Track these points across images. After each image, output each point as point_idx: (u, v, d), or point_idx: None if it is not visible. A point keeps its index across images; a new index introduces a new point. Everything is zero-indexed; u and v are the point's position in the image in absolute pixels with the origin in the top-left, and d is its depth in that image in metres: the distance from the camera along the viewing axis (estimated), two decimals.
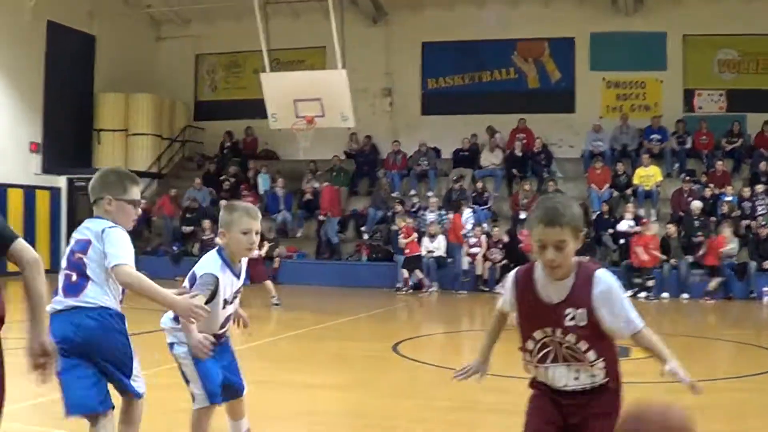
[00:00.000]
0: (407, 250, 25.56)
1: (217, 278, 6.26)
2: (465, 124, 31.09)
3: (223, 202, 26.54)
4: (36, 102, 30.38)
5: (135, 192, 6.43)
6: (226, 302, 6.43)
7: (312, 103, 26.29)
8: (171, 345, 6.64)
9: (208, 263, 6.37)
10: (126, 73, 33.79)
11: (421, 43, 33.29)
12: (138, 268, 6.00)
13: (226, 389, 6.65)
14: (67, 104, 31.65)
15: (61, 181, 31.63)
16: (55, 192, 30.93)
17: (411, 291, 25.32)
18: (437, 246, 25.88)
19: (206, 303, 5.96)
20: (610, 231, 26.12)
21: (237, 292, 6.63)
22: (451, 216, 26.72)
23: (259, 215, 6.52)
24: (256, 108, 29.16)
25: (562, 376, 4.89)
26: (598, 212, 27.00)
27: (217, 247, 6.52)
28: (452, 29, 32.07)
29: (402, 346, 13.91)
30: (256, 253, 17.30)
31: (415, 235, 25.83)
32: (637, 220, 25.90)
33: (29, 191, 29.70)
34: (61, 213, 31.11)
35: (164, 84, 35.28)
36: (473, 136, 30.85)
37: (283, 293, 24.60)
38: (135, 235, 20.47)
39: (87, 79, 33.11)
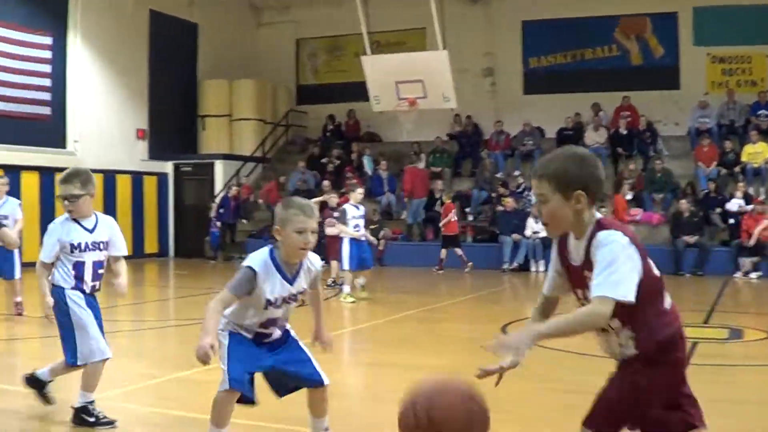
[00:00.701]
0: (444, 230, 25.44)
1: (254, 273, 6.08)
2: (568, 103, 30.80)
3: (329, 188, 27.19)
4: (141, 90, 30.92)
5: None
6: (269, 303, 6.19)
7: (414, 84, 26.26)
8: None
9: (254, 257, 6.22)
10: (228, 59, 34.20)
11: (522, 21, 33.06)
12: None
13: (289, 380, 6.52)
14: (171, 91, 32.17)
15: (167, 167, 32.16)
16: (162, 177, 31.42)
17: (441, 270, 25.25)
18: (542, 227, 25.69)
19: (242, 297, 6.04)
20: (719, 210, 25.72)
21: (289, 298, 6.33)
22: None
23: (316, 213, 6.22)
24: (358, 91, 29.24)
25: (607, 346, 4.71)
26: (706, 191, 26.62)
27: (270, 245, 6.31)
28: (553, 6, 31.81)
29: (511, 327, 13.86)
30: (334, 231, 17.36)
31: (453, 214, 25.57)
32: (747, 198, 25.45)
33: (137, 177, 30.22)
34: (168, 198, 31.70)
35: (266, 69, 35.58)
36: (576, 115, 30.55)
37: (388, 275, 24.76)
38: (239, 218, 20.52)
39: (190, 66, 33.61)
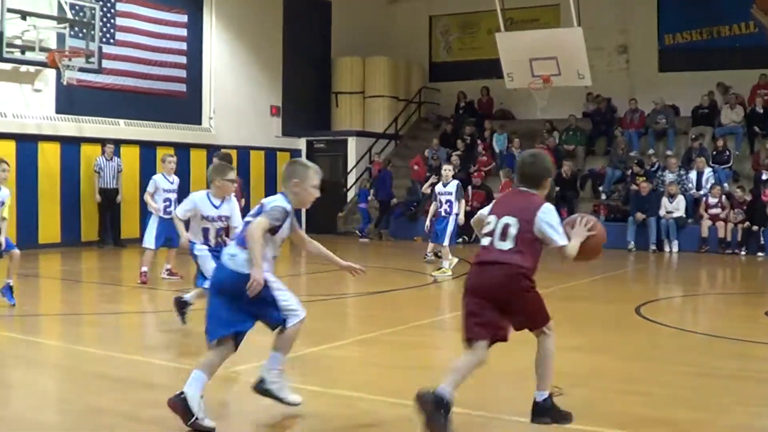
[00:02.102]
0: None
1: (287, 213, 7.31)
2: (703, 81, 30.29)
3: (456, 161, 27.27)
4: (276, 67, 31.27)
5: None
6: (282, 241, 7.49)
7: (548, 62, 26.07)
8: None
9: (279, 200, 7.32)
10: (361, 36, 34.37)
11: None
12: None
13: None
14: (305, 69, 32.45)
15: (300, 144, 32.50)
16: (295, 154, 31.70)
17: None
18: (676, 206, 25.42)
19: (271, 232, 7.12)
20: None
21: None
22: (691, 175, 26.24)
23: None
24: (491, 68, 29.17)
25: None
26: None
27: (280, 193, 7.46)
28: None
29: (644, 308, 13.78)
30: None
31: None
32: None
33: (270, 153, 30.58)
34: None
35: (399, 46, 35.65)
36: (711, 93, 30.02)
37: None
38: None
39: (324, 43, 33.89)
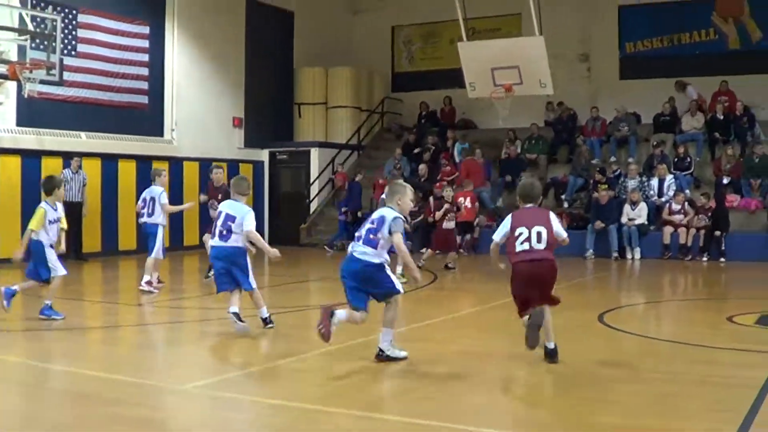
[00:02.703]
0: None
1: (406, 221, 10.44)
2: (664, 88, 30.46)
3: (424, 172, 27.40)
4: (238, 78, 31.21)
5: None
6: None
7: (510, 71, 26.10)
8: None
9: (395, 212, 10.29)
10: (324, 47, 34.41)
11: (618, 5, 32.77)
12: None
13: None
14: (268, 79, 32.46)
15: (263, 155, 32.47)
16: (258, 165, 31.69)
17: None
18: (638, 214, 25.54)
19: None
20: None
21: None
22: (653, 182, 26.39)
23: None
24: (453, 77, 29.19)
25: None
26: None
27: (388, 207, 10.41)
28: None
29: (607, 315, 13.84)
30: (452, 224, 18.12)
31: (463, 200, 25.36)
32: None
33: (233, 165, 30.39)
34: (264, 186, 31.91)
35: (362, 57, 35.72)
36: (672, 99, 30.17)
37: (484, 263, 24.72)
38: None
39: (287, 54, 33.87)
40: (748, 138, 28.08)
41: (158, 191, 17.71)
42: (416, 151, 32.16)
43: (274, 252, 12.44)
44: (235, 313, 12.08)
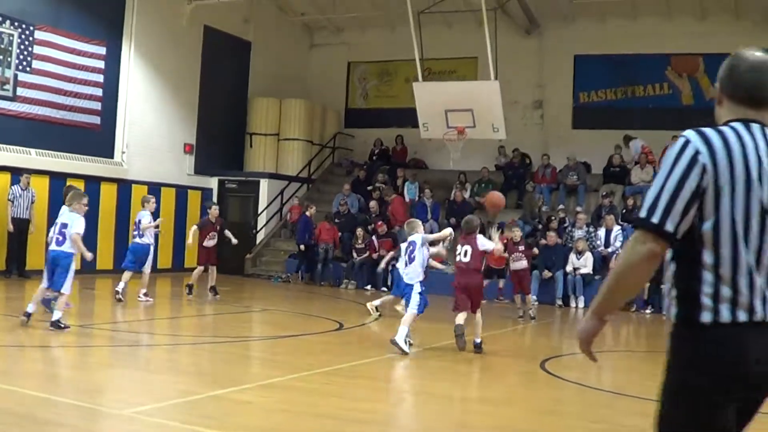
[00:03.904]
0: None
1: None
2: (616, 139, 30.67)
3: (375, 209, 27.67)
4: (192, 105, 31.08)
5: None
6: None
7: (463, 113, 26.26)
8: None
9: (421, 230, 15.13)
10: (280, 78, 34.41)
11: (573, 55, 33.05)
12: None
13: None
14: (221, 107, 32.34)
15: (212, 182, 32.31)
16: (206, 193, 31.52)
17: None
18: (584, 263, 25.63)
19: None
20: None
21: None
22: (600, 233, 26.52)
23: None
24: (406, 117, 29.37)
25: None
26: None
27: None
28: (605, 42, 31.80)
29: (548, 363, 13.86)
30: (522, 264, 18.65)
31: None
32: None
33: (181, 191, 30.32)
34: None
35: (316, 90, 35.79)
36: (617, 147, 30.34)
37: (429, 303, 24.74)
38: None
39: (242, 83, 33.77)
40: None
41: (144, 215, 19.98)
42: (369, 188, 32.17)
43: (89, 255, 14.73)
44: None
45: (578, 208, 28.51)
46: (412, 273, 14.74)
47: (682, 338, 3.98)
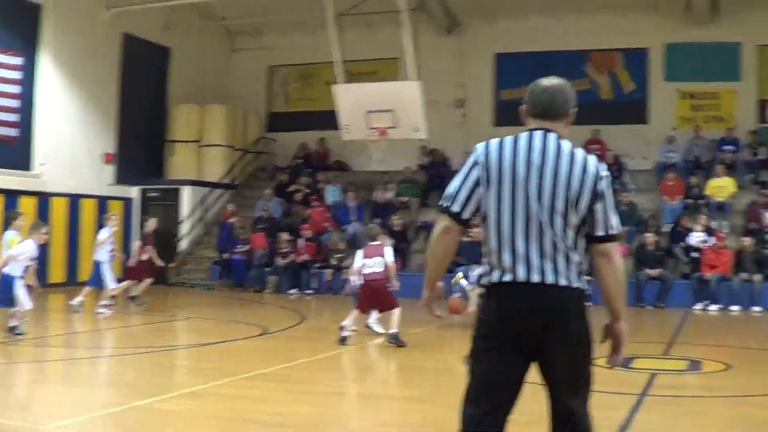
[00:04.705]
0: None
1: None
2: None
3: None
4: (110, 113, 30.68)
5: None
6: None
7: (385, 114, 26.25)
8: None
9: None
10: (200, 84, 34.13)
11: (494, 53, 33.23)
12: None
13: None
14: (141, 115, 31.98)
15: (133, 192, 31.91)
16: (127, 202, 31.18)
17: None
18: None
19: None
20: (682, 244, 25.92)
21: None
22: None
23: None
24: (329, 119, 29.21)
25: None
26: (671, 224, 26.86)
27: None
28: (525, 40, 31.96)
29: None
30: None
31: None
32: (709, 232, 25.69)
33: (102, 201, 29.89)
34: (133, 223, 31.19)
35: (238, 95, 35.52)
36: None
37: (352, 305, 24.68)
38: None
39: (161, 90, 33.45)
40: (617, 186, 28.55)
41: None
42: (290, 189, 32.07)
43: None
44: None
45: None
46: None
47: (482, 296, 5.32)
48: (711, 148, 29.76)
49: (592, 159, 5.29)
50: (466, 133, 32.66)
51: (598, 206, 5.20)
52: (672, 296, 24.58)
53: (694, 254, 25.49)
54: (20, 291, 15.14)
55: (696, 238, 25.60)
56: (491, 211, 5.16)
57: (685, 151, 29.80)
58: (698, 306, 24.28)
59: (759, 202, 26.60)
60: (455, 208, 5.23)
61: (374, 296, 15.21)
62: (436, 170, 31.72)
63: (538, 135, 5.33)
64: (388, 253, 15.60)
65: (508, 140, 5.34)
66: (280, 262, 28.18)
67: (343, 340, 14.96)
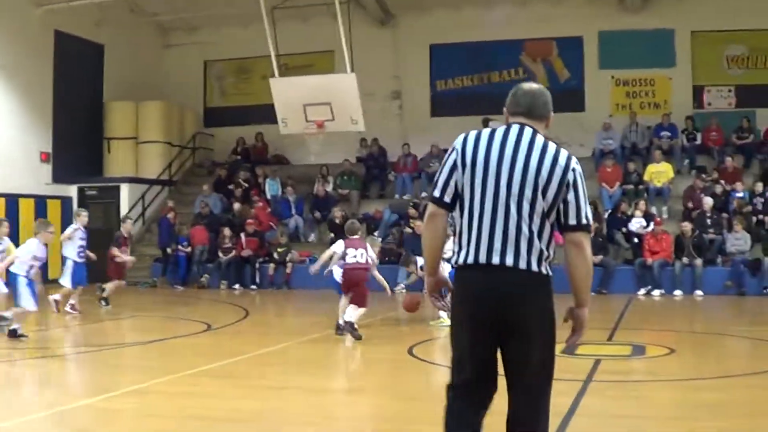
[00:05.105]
0: None
1: None
2: (474, 125, 30.82)
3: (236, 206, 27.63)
4: (45, 112, 30.37)
5: None
6: None
7: (321, 107, 26.24)
8: None
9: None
10: (135, 81, 33.85)
11: (429, 44, 33.33)
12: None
13: None
14: (76, 113, 31.65)
15: (71, 191, 31.64)
16: (66, 201, 30.87)
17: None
18: (448, 248, 25.72)
19: None
20: (623, 229, 26.15)
21: None
22: None
23: None
24: (266, 113, 29.13)
25: None
26: (610, 210, 27.10)
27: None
28: (460, 30, 32.07)
29: (416, 348, 13.94)
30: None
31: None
32: (649, 217, 25.96)
33: (40, 201, 29.59)
34: (72, 222, 30.90)
35: (173, 91, 35.29)
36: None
37: (296, 298, 24.72)
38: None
39: (96, 87, 33.15)
40: None
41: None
42: (230, 186, 31.98)
43: None
44: None
45: None
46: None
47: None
48: (647, 134, 30.12)
49: (564, 152, 5.54)
50: (404, 125, 32.82)
51: (570, 196, 5.42)
52: (615, 282, 24.85)
53: (635, 240, 25.78)
54: (24, 290, 15.04)
55: (637, 224, 25.86)
56: (465, 196, 5.47)
57: (622, 138, 30.09)
58: (641, 292, 24.60)
59: (697, 187, 26.89)
60: (436, 193, 5.57)
61: (353, 285, 15.53)
62: (375, 162, 31.77)
63: (514, 128, 5.58)
64: (370, 248, 16.27)
65: (487, 131, 5.62)
66: (222, 257, 28.10)
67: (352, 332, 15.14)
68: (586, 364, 11.92)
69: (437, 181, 5.61)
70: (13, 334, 14.87)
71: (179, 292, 27.01)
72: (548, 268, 5.47)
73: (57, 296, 19.66)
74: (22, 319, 15.22)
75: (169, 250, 29.13)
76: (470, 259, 5.42)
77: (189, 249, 28.79)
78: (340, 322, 15.35)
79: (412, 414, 9.44)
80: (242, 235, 28.27)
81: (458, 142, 5.61)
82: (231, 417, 9.21)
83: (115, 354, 14.60)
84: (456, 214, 5.58)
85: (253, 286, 27.50)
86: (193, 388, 10.87)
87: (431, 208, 5.61)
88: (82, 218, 21.16)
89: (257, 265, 28.01)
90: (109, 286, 21.99)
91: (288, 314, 22.54)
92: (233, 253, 27.93)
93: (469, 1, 31.90)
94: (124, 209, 31.51)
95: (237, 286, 27.44)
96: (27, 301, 15.02)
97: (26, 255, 15.35)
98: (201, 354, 14.04)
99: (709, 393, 10.45)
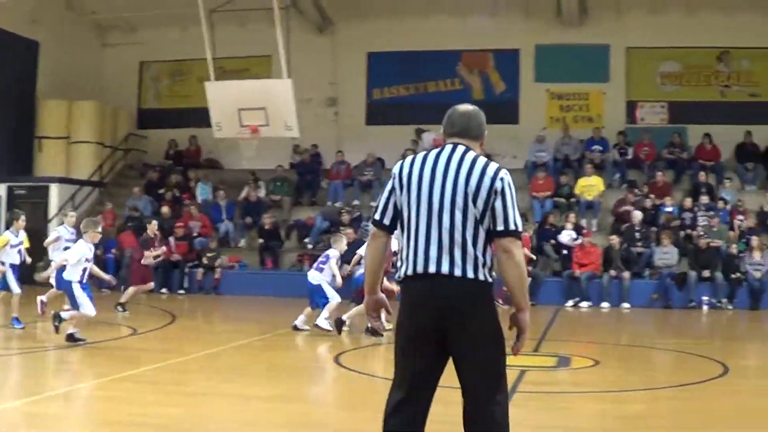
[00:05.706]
0: None
1: None
2: (409, 135, 31.12)
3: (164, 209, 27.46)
4: None
5: None
6: None
7: (257, 112, 26.19)
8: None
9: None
10: (70, 79, 33.40)
11: (367, 52, 33.36)
12: None
13: None
14: (7, 111, 31.22)
15: (0, 189, 31.20)
16: None
17: None
18: None
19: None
20: (552, 241, 26.34)
21: None
22: None
23: None
24: (200, 117, 28.99)
25: None
26: (540, 222, 27.29)
27: None
28: (398, 39, 32.11)
29: (343, 357, 13.93)
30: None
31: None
32: (578, 230, 26.19)
33: None
34: (1, 221, 30.55)
35: (108, 91, 34.96)
36: (414, 143, 30.73)
37: (225, 304, 24.62)
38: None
39: (29, 85, 32.67)
40: None
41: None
42: (160, 191, 31.76)
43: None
44: None
45: (373, 203, 28.75)
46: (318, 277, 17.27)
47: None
48: (579, 147, 30.39)
49: (494, 164, 5.75)
50: (339, 132, 32.84)
51: (498, 203, 5.61)
52: (542, 293, 24.98)
53: (564, 252, 25.99)
54: (81, 295, 14.77)
55: (566, 236, 26.08)
56: (404, 215, 5.76)
57: (554, 151, 30.33)
58: (569, 303, 24.82)
59: (627, 201, 27.16)
60: (376, 216, 5.91)
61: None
62: (308, 168, 31.71)
63: (447, 147, 5.86)
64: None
65: (421, 154, 5.91)
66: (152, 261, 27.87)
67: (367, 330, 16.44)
68: (511, 375, 11.84)
69: (377, 204, 5.93)
70: (71, 338, 14.71)
71: (106, 295, 26.73)
72: (487, 274, 5.62)
73: (44, 297, 19.12)
74: (81, 324, 15.01)
75: (98, 253, 28.83)
76: (410, 271, 5.67)
77: (117, 252, 28.51)
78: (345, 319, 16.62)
79: (336, 422, 9.43)
80: (171, 239, 28.01)
81: (396, 168, 5.92)
82: (150, 423, 9.16)
83: (40, 357, 14.46)
84: (397, 233, 5.86)
85: (181, 291, 27.33)
86: (116, 394, 10.78)
87: (372, 229, 5.92)
88: (69, 219, 21.03)
89: (186, 270, 27.83)
90: (129, 291, 21.49)
91: (215, 320, 22.43)
92: (161, 257, 27.77)
93: (407, 11, 31.96)
94: (53, 209, 31.16)
95: (164, 290, 27.22)
96: (87, 308, 14.80)
97: (76, 258, 14.99)
98: (125, 358, 13.92)
99: (632, 405, 10.56)
